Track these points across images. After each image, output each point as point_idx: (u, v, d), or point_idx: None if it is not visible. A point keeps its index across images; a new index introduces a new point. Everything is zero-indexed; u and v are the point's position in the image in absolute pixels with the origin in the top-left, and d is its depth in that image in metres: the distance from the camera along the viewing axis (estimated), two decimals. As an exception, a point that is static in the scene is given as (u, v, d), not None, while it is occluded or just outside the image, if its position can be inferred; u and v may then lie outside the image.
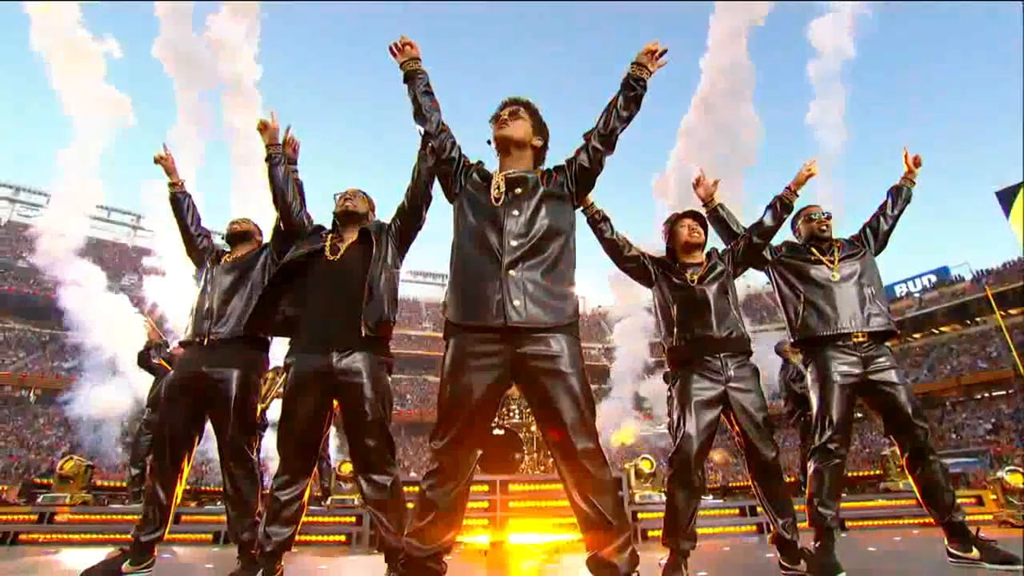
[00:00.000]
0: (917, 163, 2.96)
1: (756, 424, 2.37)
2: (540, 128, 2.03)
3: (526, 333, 1.67)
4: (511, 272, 1.71)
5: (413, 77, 2.10)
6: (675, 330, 2.53)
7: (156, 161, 3.04)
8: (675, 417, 2.46)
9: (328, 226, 2.62)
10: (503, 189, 1.85)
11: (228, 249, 3.03)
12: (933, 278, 34.20)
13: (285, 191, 2.67)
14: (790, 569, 2.34)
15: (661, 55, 1.96)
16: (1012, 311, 27.88)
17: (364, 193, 2.69)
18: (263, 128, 2.78)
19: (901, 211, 2.93)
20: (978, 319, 30.44)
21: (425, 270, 43.77)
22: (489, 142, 2.00)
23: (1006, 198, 28.67)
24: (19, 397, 27.12)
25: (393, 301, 2.42)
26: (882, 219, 2.92)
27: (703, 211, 2.89)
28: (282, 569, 2.24)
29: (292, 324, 2.40)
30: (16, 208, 34.20)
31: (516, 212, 1.80)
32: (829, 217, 2.91)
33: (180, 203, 3.04)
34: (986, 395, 27.09)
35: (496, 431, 6.56)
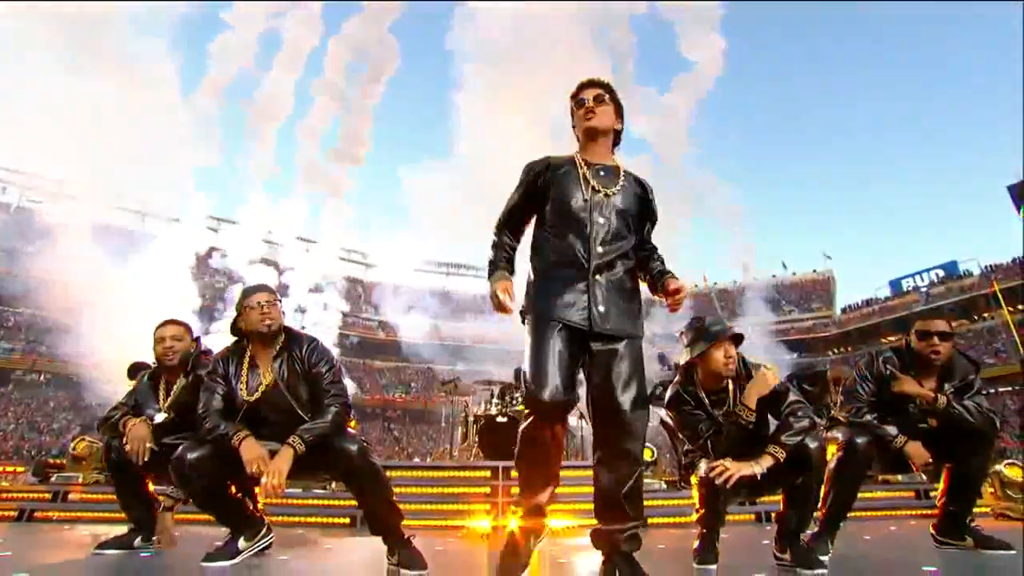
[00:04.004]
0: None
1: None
2: (620, 111, 1.99)
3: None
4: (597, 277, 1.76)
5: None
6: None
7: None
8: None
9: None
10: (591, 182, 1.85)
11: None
12: (941, 272, 33.94)
13: None
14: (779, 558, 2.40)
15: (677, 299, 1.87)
16: (1020, 307, 27.67)
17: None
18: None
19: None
20: (986, 315, 30.24)
21: (433, 259, 43.91)
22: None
23: (1017, 192, 28.36)
24: (29, 381, 27.53)
25: None
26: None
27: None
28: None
29: None
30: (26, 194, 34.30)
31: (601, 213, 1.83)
32: (948, 338, 2.54)
33: None
34: (991, 391, 26.97)
35: (500, 419, 6.64)
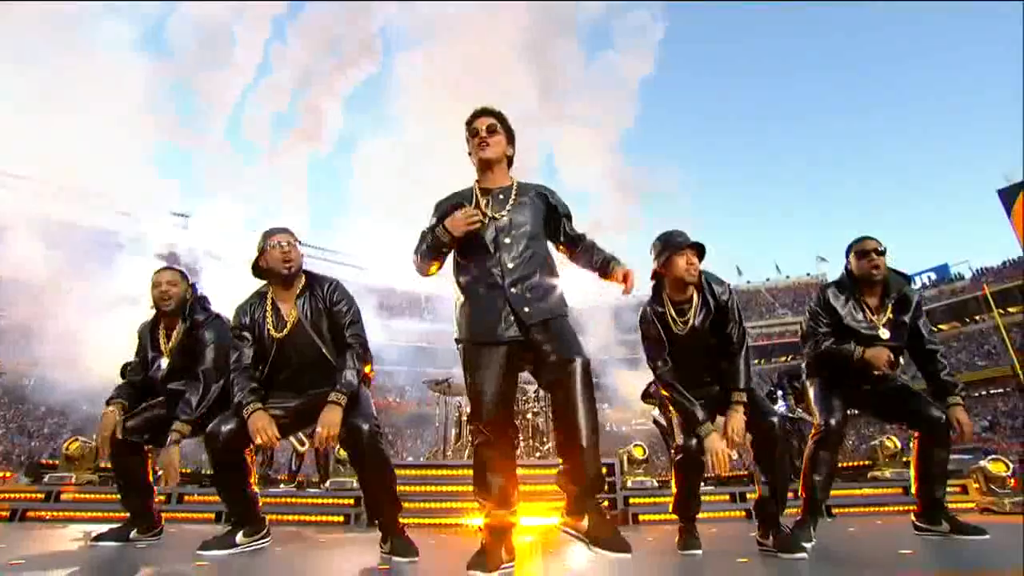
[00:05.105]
0: None
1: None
2: (511, 137, 2.14)
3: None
4: (512, 290, 1.88)
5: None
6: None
7: None
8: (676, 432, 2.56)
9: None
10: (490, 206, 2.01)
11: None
12: (933, 276, 34.26)
13: None
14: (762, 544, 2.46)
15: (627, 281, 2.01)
16: (1011, 309, 27.95)
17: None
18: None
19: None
20: (977, 317, 30.51)
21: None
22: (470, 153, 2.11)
23: (1007, 196, 28.71)
24: (19, 385, 27.22)
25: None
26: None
27: None
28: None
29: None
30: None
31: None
32: (883, 254, 2.71)
33: None
34: (983, 393, 27.22)
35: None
